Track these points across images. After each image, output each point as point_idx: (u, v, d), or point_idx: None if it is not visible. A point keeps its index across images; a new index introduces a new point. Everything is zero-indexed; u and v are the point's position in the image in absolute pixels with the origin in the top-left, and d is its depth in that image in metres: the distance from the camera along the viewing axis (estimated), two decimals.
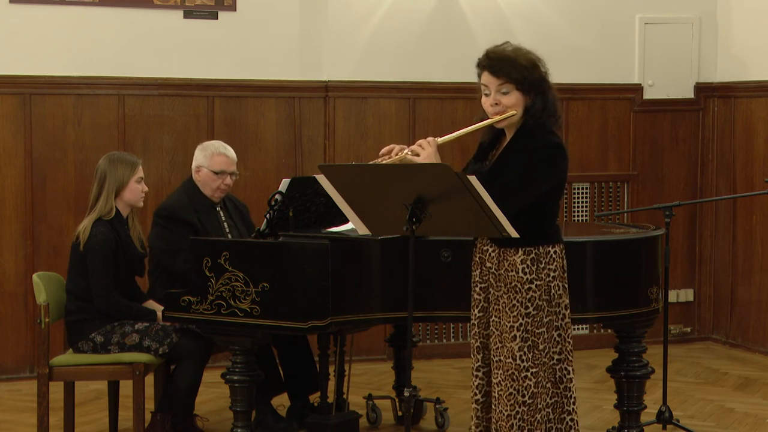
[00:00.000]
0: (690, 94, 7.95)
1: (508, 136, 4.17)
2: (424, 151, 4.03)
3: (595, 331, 7.56)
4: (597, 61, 7.69)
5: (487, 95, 4.11)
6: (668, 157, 7.97)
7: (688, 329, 8.08)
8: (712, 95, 7.93)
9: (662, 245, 5.23)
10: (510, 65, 4.06)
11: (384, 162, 4.06)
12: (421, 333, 7.44)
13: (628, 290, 5.00)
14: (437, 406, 5.83)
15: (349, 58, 7.34)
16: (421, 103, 7.47)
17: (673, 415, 5.66)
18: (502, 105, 4.07)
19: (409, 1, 7.37)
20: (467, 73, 7.38)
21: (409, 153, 4.05)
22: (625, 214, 7.76)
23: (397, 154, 4.07)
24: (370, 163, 4.10)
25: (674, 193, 7.86)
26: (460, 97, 7.50)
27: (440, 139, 4.09)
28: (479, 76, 4.15)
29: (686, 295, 8.05)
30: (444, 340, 7.61)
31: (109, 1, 6.95)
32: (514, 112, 4.07)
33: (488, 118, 4.13)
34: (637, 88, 7.86)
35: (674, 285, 7.81)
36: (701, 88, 7.94)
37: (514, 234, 3.94)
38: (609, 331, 5.59)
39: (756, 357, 7.53)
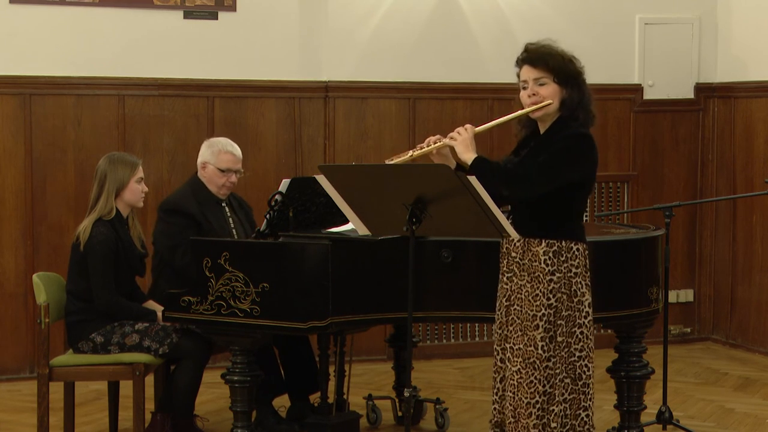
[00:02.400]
0: (690, 94, 7.96)
1: (542, 131, 4.28)
2: (461, 137, 4.16)
3: (595, 331, 7.54)
4: (597, 62, 7.67)
5: (525, 88, 4.23)
6: (668, 158, 7.97)
7: (688, 329, 8.08)
8: (712, 95, 7.93)
9: (662, 245, 5.23)
10: (547, 56, 4.21)
11: (405, 157, 4.15)
12: (421, 333, 7.44)
13: (628, 290, 5.01)
14: (437, 406, 5.83)
15: (349, 58, 7.34)
16: (421, 103, 7.48)
17: (673, 416, 5.66)
18: (540, 95, 4.20)
19: (409, 1, 7.37)
20: (467, 73, 7.52)
21: (447, 140, 4.17)
22: (625, 215, 7.76)
23: (435, 143, 4.18)
24: (400, 155, 4.20)
25: (674, 193, 7.87)
26: (460, 98, 7.52)
27: (477, 128, 4.21)
28: (518, 72, 4.27)
29: (686, 295, 8.05)
30: (444, 341, 7.61)
31: (109, 1, 6.95)
32: (551, 101, 4.19)
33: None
34: (637, 89, 7.86)
35: (674, 285, 7.81)
36: (701, 89, 7.94)
37: (514, 235, 4.01)
38: (609, 331, 5.59)
39: (756, 357, 7.53)
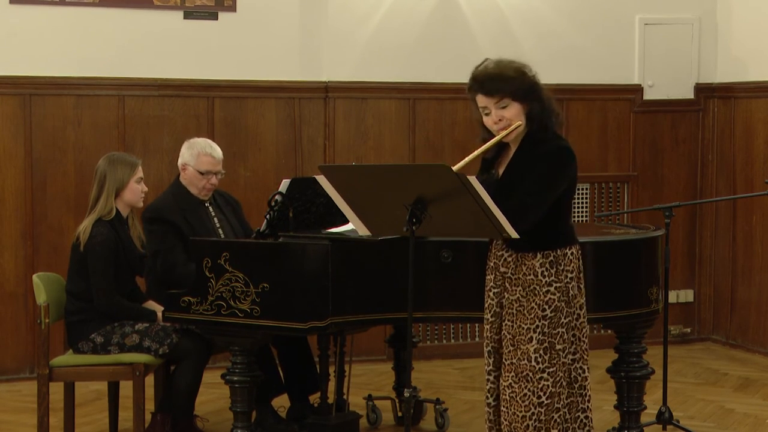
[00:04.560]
0: (690, 94, 7.96)
1: (513, 148, 4.19)
2: None
3: (595, 331, 7.55)
4: (597, 62, 7.70)
5: (487, 114, 4.14)
6: (668, 158, 7.97)
7: (688, 330, 8.08)
8: (711, 96, 7.93)
9: (662, 246, 5.23)
10: (500, 80, 4.10)
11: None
12: (421, 333, 7.44)
13: (628, 291, 5.00)
14: (437, 406, 5.83)
15: (349, 59, 7.34)
16: (421, 103, 7.47)
17: (673, 416, 5.66)
18: (506, 119, 4.10)
19: (409, 1, 7.37)
20: (467, 74, 7.42)
21: None
22: (625, 215, 7.76)
23: None
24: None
25: (674, 193, 7.87)
26: (459, 98, 7.46)
27: (455, 167, 4.00)
28: (473, 100, 4.17)
29: (686, 295, 8.05)
30: (444, 341, 7.61)
31: (109, 1, 6.95)
32: (520, 122, 4.10)
33: (493, 136, 4.15)
34: (637, 89, 7.86)
35: (674, 285, 7.81)
36: (701, 89, 7.94)
37: (514, 235, 3.98)
38: (609, 331, 5.59)
39: (756, 357, 7.53)
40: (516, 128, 4.09)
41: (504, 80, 4.09)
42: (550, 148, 4.10)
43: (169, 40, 7.08)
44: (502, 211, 3.96)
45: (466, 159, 4.07)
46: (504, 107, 4.09)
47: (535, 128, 4.13)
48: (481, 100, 4.13)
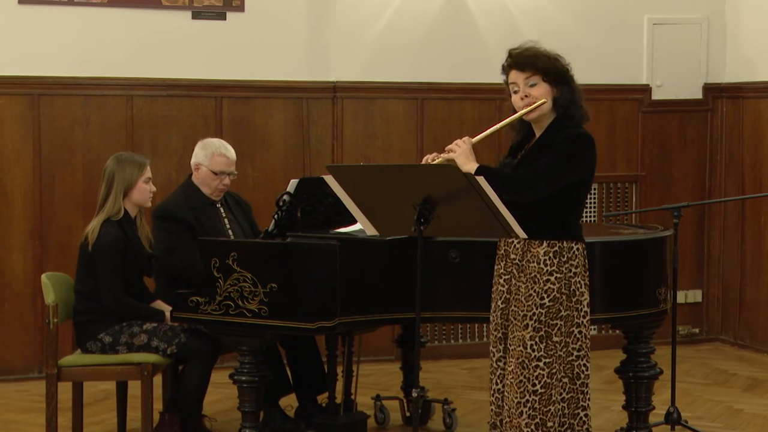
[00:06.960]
0: (698, 94, 7.94)
1: (538, 134, 4.28)
2: (459, 149, 4.15)
3: (603, 331, 7.55)
4: (605, 62, 7.69)
5: (516, 92, 4.23)
6: (676, 158, 7.96)
7: (697, 330, 8.07)
8: (720, 96, 7.92)
9: (670, 246, 5.23)
10: (534, 57, 4.21)
11: None
12: (429, 334, 7.43)
13: (637, 291, 5.00)
14: (445, 406, 5.83)
15: (357, 59, 7.34)
16: (429, 103, 7.47)
17: (682, 416, 5.65)
18: (532, 97, 4.20)
19: (417, 1, 7.37)
20: (475, 74, 7.52)
21: (445, 154, 4.15)
22: (634, 215, 7.75)
23: (433, 161, 4.15)
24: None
25: (682, 193, 7.86)
26: (468, 98, 7.51)
27: (474, 139, 4.20)
28: (506, 78, 4.28)
29: (695, 296, 8.04)
30: (452, 341, 7.61)
31: (117, 1, 6.96)
32: (545, 100, 4.19)
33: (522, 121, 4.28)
34: (646, 89, 7.85)
35: (682, 286, 7.79)
36: (710, 89, 7.93)
37: (522, 235, 4.01)
38: (617, 331, 5.59)
39: (764, 358, 7.52)
40: (540, 105, 4.18)
41: (537, 58, 4.21)
42: (572, 133, 4.19)
43: (178, 40, 7.09)
44: (512, 178, 4.08)
45: (486, 132, 4.22)
46: (533, 85, 4.20)
47: (560, 114, 4.22)
48: (513, 75, 4.23)
